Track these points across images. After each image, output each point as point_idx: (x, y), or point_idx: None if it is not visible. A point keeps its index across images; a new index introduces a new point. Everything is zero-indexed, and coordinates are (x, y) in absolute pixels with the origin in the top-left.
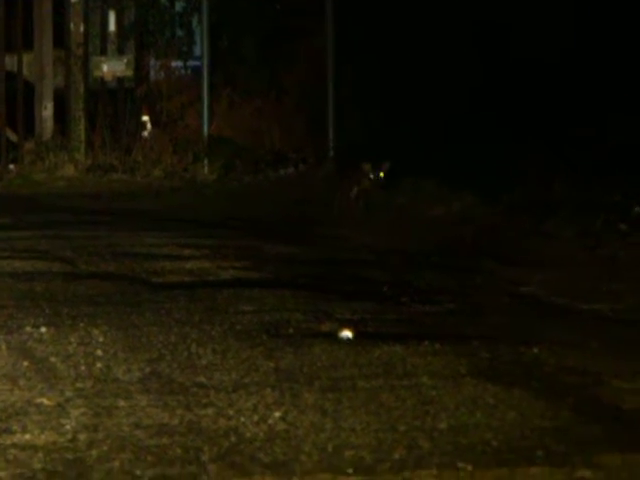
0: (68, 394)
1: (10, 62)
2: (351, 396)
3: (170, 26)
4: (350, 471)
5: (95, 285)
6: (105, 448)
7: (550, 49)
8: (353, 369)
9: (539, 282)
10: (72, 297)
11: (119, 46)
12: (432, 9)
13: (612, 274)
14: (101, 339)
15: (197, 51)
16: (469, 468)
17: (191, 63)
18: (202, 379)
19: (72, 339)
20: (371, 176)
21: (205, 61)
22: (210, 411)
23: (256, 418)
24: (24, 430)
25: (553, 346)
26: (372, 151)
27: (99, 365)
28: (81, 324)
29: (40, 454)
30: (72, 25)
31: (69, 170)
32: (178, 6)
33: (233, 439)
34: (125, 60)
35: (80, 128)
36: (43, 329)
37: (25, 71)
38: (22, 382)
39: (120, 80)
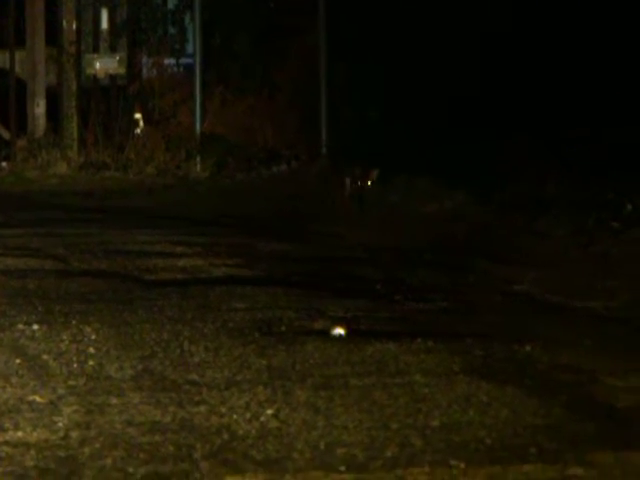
0: (60, 392)
1: (2, 59)
2: (343, 394)
3: (162, 23)
4: (342, 469)
5: (87, 283)
6: (97, 445)
7: (545, 50)
8: (346, 367)
9: (532, 280)
10: (64, 295)
11: (111, 44)
12: (426, 7)
13: (605, 272)
14: (93, 336)
15: (189, 49)
16: (462, 466)
17: (183, 61)
18: (194, 376)
19: (64, 337)
20: (359, 183)
21: (197, 59)
22: (202, 408)
23: (248, 416)
24: (16, 428)
25: (546, 344)
26: (365, 149)
27: (91, 362)
28: (73, 322)
29: (32, 452)
30: (64, 23)
31: (62, 168)
32: (170, 3)
33: (225, 436)
34: (117, 58)
35: (72, 126)
36: (35, 326)
37: (17, 68)
38: (14, 380)
39: (113, 78)
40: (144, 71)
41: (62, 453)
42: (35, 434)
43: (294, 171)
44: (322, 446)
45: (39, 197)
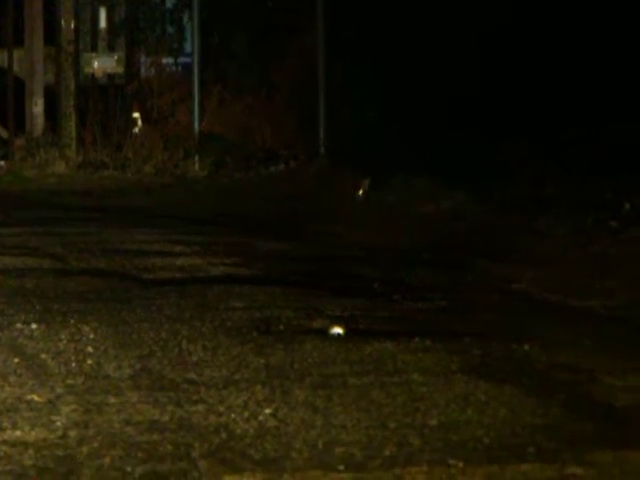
0: (59, 391)
1: (0, 58)
2: (342, 393)
3: (161, 23)
4: (341, 468)
5: (86, 282)
6: (95, 445)
7: (544, 49)
8: (344, 366)
9: (531, 279)
10: (63, 294)
11: (110, 43)
12: (424, 7)
13: (604, 271)
14: (92, 336)
15: (188, 48)
16: (460, 465)
17: (182, 60)
18: (193, 375)
19: (63, 336)
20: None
21: (196, 58)
22: (201, 408)
23: (246, 415)
24: (14, 427)
25: (545, 343)
26: (363, 148)
27: (90, 362)
28: (72, 321)
29: (31, 451)
30: (63, 22)
31: (60, 167)
32: (169, 3)
33: (223, 435)
34: (116, 57)
35: (71, 125)
36: (34, 325)
37: (16, 68)
38: (12, 379)
39: (111, 77)
40: (142, 70)
41: (60, 452)
42: (33, 433)
43: (292, 171)
44: (320, 445)
45: (37, 196)
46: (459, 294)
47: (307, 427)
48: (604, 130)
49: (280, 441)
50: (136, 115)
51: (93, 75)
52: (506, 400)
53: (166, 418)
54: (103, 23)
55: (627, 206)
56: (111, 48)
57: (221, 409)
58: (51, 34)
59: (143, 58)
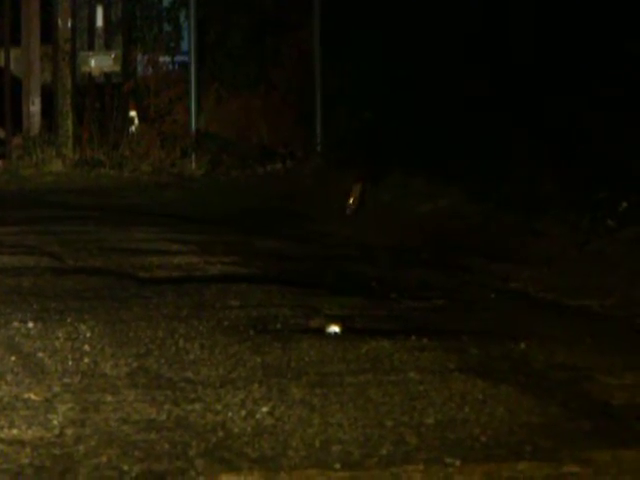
0: (55, 389)
1: None
2: (339, 391)
3: (157, 21)
4: (337, 466)
5: (83, 280)
6: (92, 443)
7: (539, 48)
8: (341, 364)
9: (528, 278)
10: (60, 292)
11: (106, 41)
12: (419, 7)
13: (601, 270)
14: (89, 334)
15: (185, 46)
16: (457, 463)
17: (179, 58)
18: (190, 374)
19: (60, 334)
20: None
21: (192, 56)
22: (198, 406)
23: (244, 413)
24: (11, 425)
25: (542, 342)
26: (360, 147)
27: (86, 360)
28: (69, 319)
29: (27, 449)
30: (60, 21)
31: (57, 165)
32: (165, 1)
33: (221, 434)
34: (112, 55)
35: (68, 123)
36: (31, 324)
37: (12, 66)
38: (9, 377)
39: (108, 75)
40: (139, 69)
41: (57, 451)
42: (30, 432)
43: (289, 169)
44: (317, 444)
45: (34, 195)
46: (456, 293)
47: (304, 425)
48: (599, 127)
49: (277, 439)
50: (133, 114)
51: (90, 74)
52: (503, 399)
53: (163, 417)
54: (100, 22)
55: (624, 205)
56: (108, 47)
57: (218, 408)
58: (48, 33)
59: (140, 56)
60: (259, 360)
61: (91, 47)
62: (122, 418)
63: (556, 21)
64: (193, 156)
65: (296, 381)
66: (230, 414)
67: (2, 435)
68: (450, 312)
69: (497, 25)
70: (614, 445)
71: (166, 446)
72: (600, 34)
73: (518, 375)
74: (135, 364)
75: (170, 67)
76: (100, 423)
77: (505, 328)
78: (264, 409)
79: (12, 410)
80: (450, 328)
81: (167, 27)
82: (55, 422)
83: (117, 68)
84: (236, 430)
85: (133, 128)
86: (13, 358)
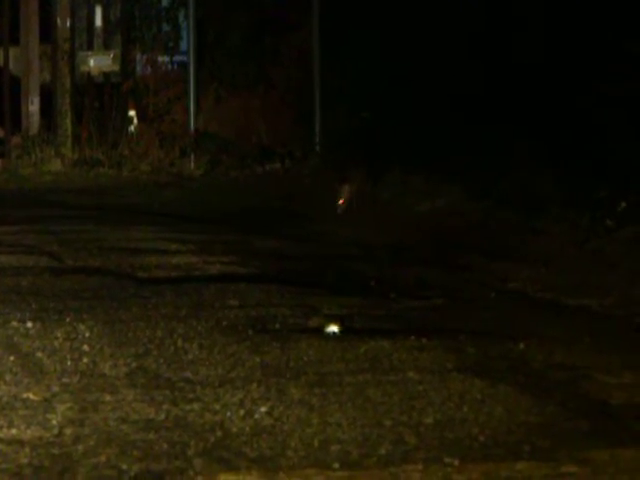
0: (54, 389)
1: None
2: (338, 391)
3: (156, 21)
4: (336, 466)
5: (82, 280)
6: (91, 443)
7: (539, 49)
8: (340, 364)
9: (527, 277)
10: (59, 292)
11: (105, 41)
12: (418, 7)
13: (600, 269)
14: (87, 334)
15: (184, 46)
16: (455, 463)
17: (177, 58)
18: (188, 374)
19: (58, 334)
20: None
21: (191, 56)
22: (196, 406)
23: (242, 413)
24: (10, 425)
25: (541, 341)
26: (358, 146)
27: (85, 360)
28: (67, 319)
29: (26, 449)
30: (59, 20)
31: (56, 165)
32: (164, 1)
33: (219, 434)
34: (111, 55)
35: (67, 123)
36: (29, 324)
37: (11, 66)
38: (8, 377)
39: (106, 75)
40: (138, 68)
41: (56, 451)
42: (29, 432)
43: (288, 169)
44: (316, 443)
45: (33, 194)
46: (455, 292)
47: (303, 425)
48: (600, 127)
49: (276, 439)
50: (132, 113)
51: (89, 73)
52: (501, 398)
53: (162, 416)
54: (99, 21)
55: (623, 204)
56: (107, 46)
57: (217, 407)
58: (47, 32)
59: (139, 56)
60: (258, 360)
61: (90, 47)
62: (121, 418)
63: (556, 21)
64: (192, 156)
65: (295, 381)
66: (229, 414)
67: (1, 435)
68: (449, 311)
69: (497, 24)
70: (612, 445)
71: (165, 446)
72: (601, 33)
73: (517, 375)
74: (134, 364)
75: (169, 67)
76: (99, 423)
77: (504, 327)
78: (263, 409)
79: (11, 410)
80: (449, 327)
81: (166, 27)
82: (54, 422)
83: (116, 68)
84: (235, 430)
85: (132, 128)
86: (12, 358)
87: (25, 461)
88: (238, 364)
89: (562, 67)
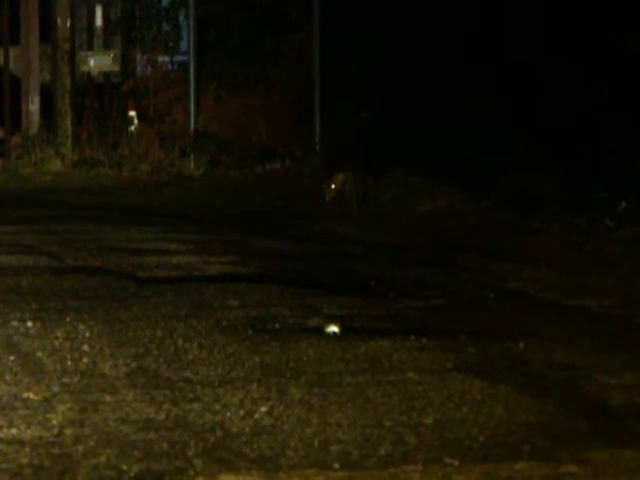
0: (54, 389)
1: None
2: (337, 391)
3: (157, 21)
4: (336, 466)
5: (82, 280)
6: (91, 443)
7: (539, 49)
8: (340, 364)
9: (526, 277)
10: (58, 292)
11: (106, 41)
12: (417, 9)
13: (599, 269)
14: (87, 334)
15: (184, 46)
16: (455, 463)
17: (178, 58)
18: (188, 374)
19: (58, 334)
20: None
21: (191, 56)
22: (196, 406)
23: (242, 413)
24: (10, 425)
25: (540, 341)
26: (358, 146)
27: (85, 360)
28: (67, 319)
29: (26, 449)
30: (59, 20)
31: (56, 165)
32: (165, 1)
33: (219, 434)
34: (112, 55)
35: (67, 123)
36: (29, 323)
37: (12, 66)
38: (8, 377)
39: (107, 75)
40: (138, 68)
41: (56, 450)
42: (29, 431)
43: (288, 169)
44: (316, 444)
45: (33, 194)
46: (455, 292)
47: (303, 425)
48: (600, 127)
49: (276, 439)
50: (132, 113)
51: (89, 73)
52: (501, 398)
53: (162, 416)
54: (99, 21)
55: (623, 205)
56: (107, 46)
57: (217, 407)
58: (47, 32)
59: (139, 56)
60: (258, 360)
61: (90, 47)
62: (121, 418)
63: (556, 21)
64: (192, 156)
65: (295, 381)
66: (229, 414)
67: (1, 435)
68: (449, 312)
69: (495, 25)
70: (612, 445)
71: (165, 446)
72: (600, 34)
73: (516, 375)
74: (134, 364)
75: (169, 67)
76: (99, 423)
77: (504, 328)
78: (263, 409)
79: (11, 410)
80: (449, 328)
81: (166, 27)
82: (54, 422)
83: (116, 68)
84: (235, 430)
85: (132, 128)
86: (12, 357)
87: (25, 461)
88: (238, 364)
89: (561, 68)
